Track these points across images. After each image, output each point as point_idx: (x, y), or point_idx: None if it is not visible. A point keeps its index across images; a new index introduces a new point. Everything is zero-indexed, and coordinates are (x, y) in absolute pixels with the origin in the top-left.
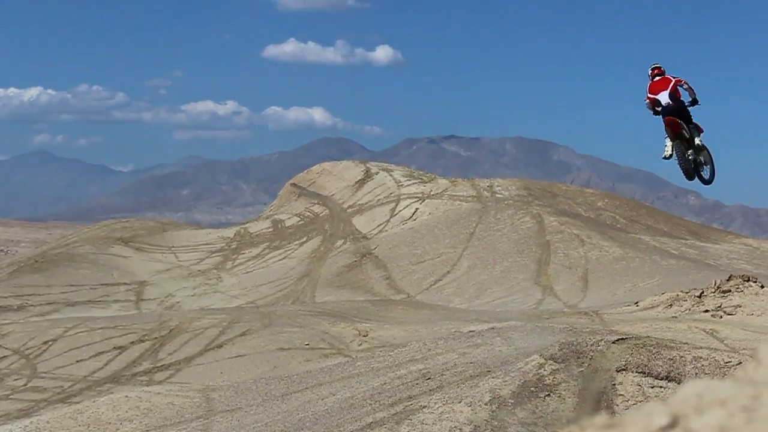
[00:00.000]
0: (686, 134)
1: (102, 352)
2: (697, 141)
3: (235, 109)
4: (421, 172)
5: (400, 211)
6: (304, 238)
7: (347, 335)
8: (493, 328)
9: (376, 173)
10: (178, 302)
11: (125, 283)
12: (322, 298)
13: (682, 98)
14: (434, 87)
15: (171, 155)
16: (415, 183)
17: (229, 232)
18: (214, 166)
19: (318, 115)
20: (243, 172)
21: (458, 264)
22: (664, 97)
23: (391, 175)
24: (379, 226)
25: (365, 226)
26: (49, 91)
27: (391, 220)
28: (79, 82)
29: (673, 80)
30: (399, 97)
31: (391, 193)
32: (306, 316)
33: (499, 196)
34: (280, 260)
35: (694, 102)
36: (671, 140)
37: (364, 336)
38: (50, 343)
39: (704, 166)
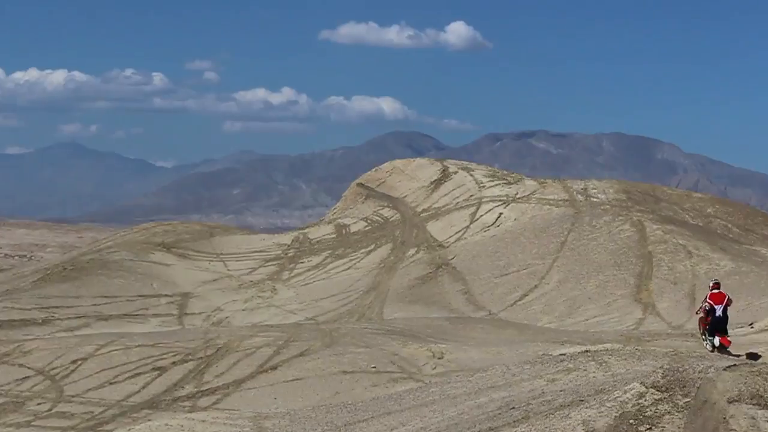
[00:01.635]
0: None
1: (139, 374)
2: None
3: (291, 98)
4: (505, 172)
5: (481, 216)
6: (372, 246)
7: (420, 357)
8: (586, 352)
9: (455, 173)
10: (226, 317)
11: (166, 295)
12: (392, 314)
13: (727, 313)
14: (521, 74)
15: (220, 150)
16: (499, 184)
17: (286, 238)
18: (270, 162)
19: (387, 105)
20: (302, 169)
21: (547, 277)
22: (719, 310)
23: (471, 175)
24: (457, 233)
25: (441, 232)
26: (76, 73)
27: (471, 226)
28: (111, 65)
29: (727, 297)
30: (481, 86)
31: (471, 196)
32: (373, 334)
33: (595, 200)
34: (343, 271)
35: None
36: (714, 342)
37: (439, 358)
38: (79, 362)
39: None
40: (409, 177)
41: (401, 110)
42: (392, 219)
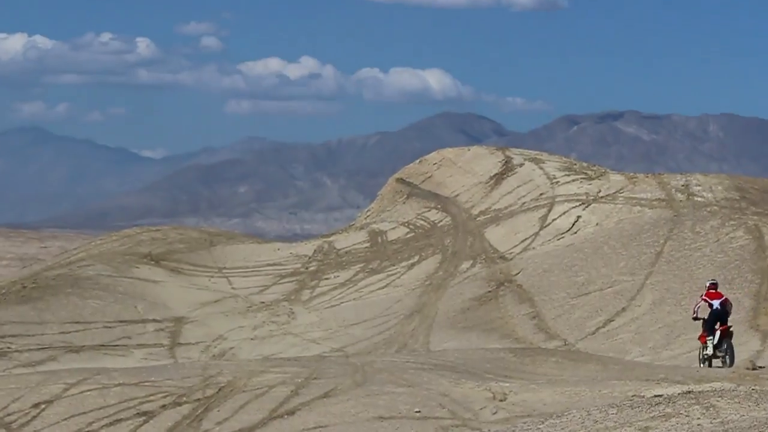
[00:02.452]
0: (728, 340)
1: (119, 420)
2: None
3: (313, 70)
4: (585, 164)
5: (554, 219)
6: (415, 258)
7: (476, 399)
8: (689, 393)
9: (520, 165)
10: (231, 348)
11: (154, 320)
12: (441, 344)
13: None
14: (605, 41)
15: (222, 136)
16: (577, 179)
17: (307, 248)
18: (286, 152)
19: (435, 80)
20: (327, 161)
21: (638, 298)
22: (715, 303)
23: (541, 168)
24: (523, 241)
25: (503, 241)
26: (38, 39)
27: (541, 232)
28: (84, 29)
29: (724, 296)
30: (554, 56)
31: (541, 194)
32: (417, 370)
33: (699, 199)
34: (379, 289)
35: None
36: (713, 341)
37: (501, 400)
38: (43, 406)
39: (726, 358)
40: (462, 170)
41: (453, 86)
42: (441, 224)
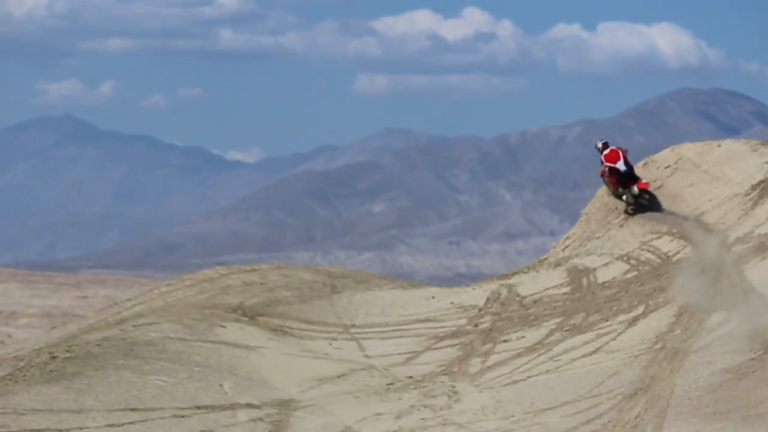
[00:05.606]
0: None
1: None
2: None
3: (482, 28)
4: None
5: None
6: (640, 309)
7: None
8: None
9: None
10: None
11: (249, 405)
12: None
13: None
14: None
15: (348, 129)
16: None
17: (477, 296)
18: (442, 151)
19: (665, 40)
20: (505, 164)
21: None
22: (621, 165)
23: None
24: None
25: None
26: None
27: None
28: None
29: (620, 151)
30: None
31: None
32: None
33: None
34: (586, 356)
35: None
36: (626, 191)
37: None
38: None
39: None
40: (709, 176)
41: (693, 49)
42: (678, 257)
